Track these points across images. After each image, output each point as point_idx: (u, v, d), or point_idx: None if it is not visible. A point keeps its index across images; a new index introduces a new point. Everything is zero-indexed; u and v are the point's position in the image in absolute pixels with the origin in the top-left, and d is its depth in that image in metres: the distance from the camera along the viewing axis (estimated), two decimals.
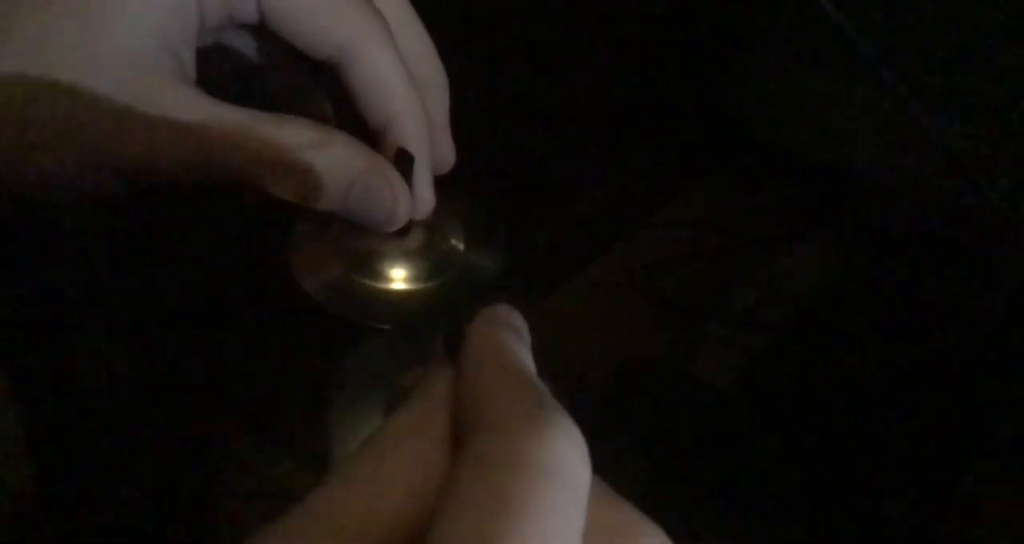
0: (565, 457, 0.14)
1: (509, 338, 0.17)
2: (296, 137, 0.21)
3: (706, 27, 0.82)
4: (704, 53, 0.84)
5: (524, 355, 0.17)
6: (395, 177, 0.22)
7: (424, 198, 0.24)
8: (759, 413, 0.61)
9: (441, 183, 0.24)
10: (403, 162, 0.22)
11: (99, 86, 0.19)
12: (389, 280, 0.24)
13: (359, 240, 0.24)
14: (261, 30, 0.22)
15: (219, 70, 0.23)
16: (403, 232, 0.23)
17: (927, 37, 0.76)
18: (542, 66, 0.66)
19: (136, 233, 0.46)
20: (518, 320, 0.18)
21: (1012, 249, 0.64)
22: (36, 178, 0.20)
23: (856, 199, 0.80)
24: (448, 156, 0.26)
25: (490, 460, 0.14)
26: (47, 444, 0.45)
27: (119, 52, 0.19)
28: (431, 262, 0.25)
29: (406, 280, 0.24)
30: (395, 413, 0.17)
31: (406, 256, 0.24)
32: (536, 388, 0.16)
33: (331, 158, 0.21)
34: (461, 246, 0.26)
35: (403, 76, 0.22)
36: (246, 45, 0.24)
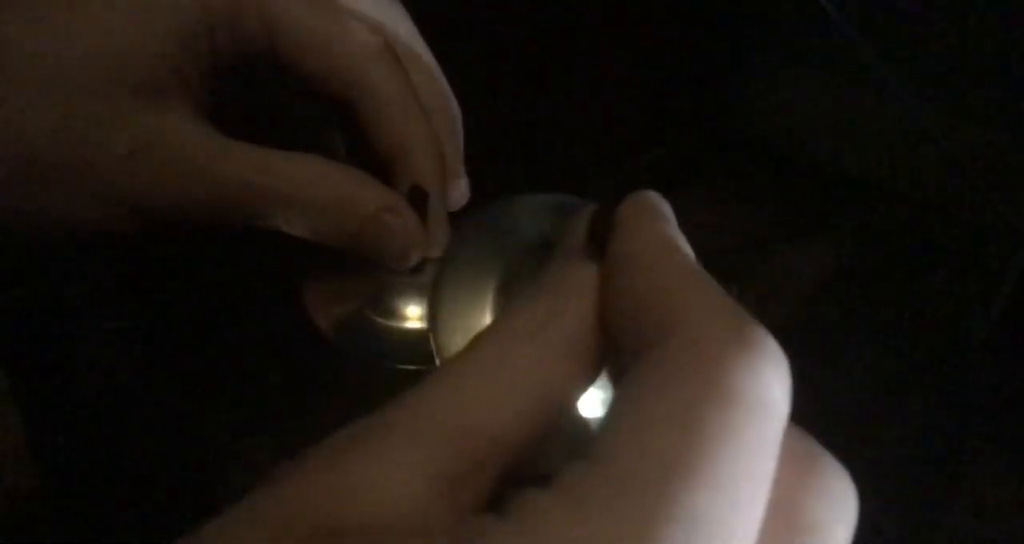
0: (770, 389, 0.12)
1: (675, 232, 0.14)
2: (308, 174, 0.20)
3: (706, 28, 0.82)
4: (704, 54, 0.84)
5: (692, 254, 0.14)
6: (409, 213, 0.22)
7: (438, 234, 0.23)
8: None
9: (453, 218, 0.24)
10: (417, 198, 0.22)
11: (112, 127, 0.19)
12: (403, 318, 0.23)
13: (373, 276, 0.23)
14: (271, 65, 0.22)
15: (231, 105, 0.23)
16: (417, 268, 0.23)
17: (927, 37, 0.76)
18: (543, 68, 0.66)
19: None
20: (670, 211, 0.15)
21: (1012, 249, 0.64)
22: (49, 217, 0.20)
23: (856, 199, 0.80)
24: (462, 190, 0.25)
25: (682, 376, 0.12)
26: (47, 444, 0.45)
27: (131, 87, 0.19)
28: None
29: (419, 318, 0.23)
30: (516, 304, 0.14)
31: (420, 293, 0.24)
32: (729, 296, 0.13)
33: (344, 195, 0.21)
34: None
35: (415, 113, 0.22)
36: (257, 81, 0.24)
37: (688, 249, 0.14)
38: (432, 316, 0.19)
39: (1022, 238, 0.62)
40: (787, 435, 0.12)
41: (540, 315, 0.13)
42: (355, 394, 0.62)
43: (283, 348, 0.60)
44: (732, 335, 0.12)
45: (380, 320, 0.24)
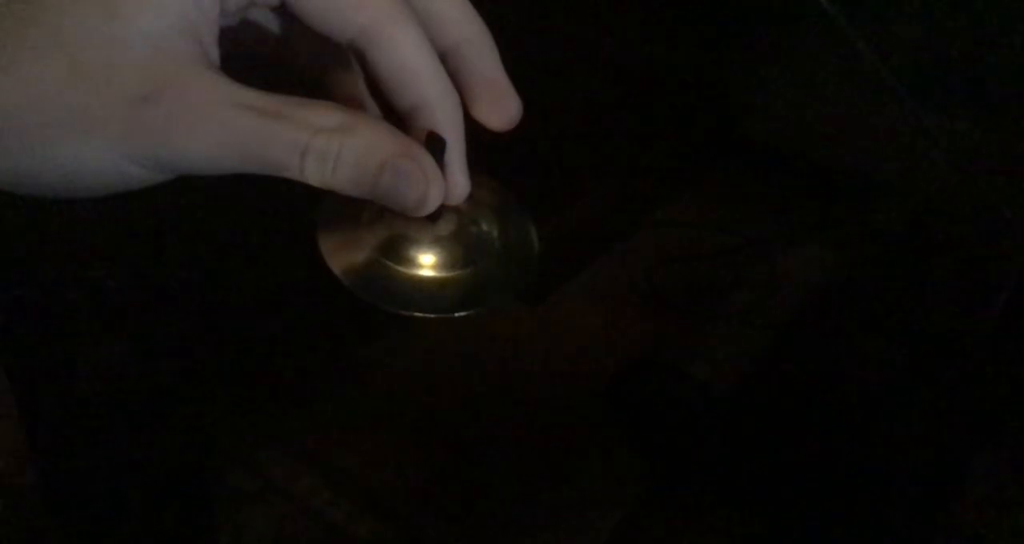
0: None
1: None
2: (323, 122, 0.20)
3: (707, 28, 0.82)
4: (704, 54, 0.84)
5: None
6: (426, 161, 0.21)
7: (457, 183, 0.23)
8: (759, 413, 0.61)
9: (471, 169, 0.24)
10: (434, 146, 0.22)
11: (122, 74, 0.19)
12: (420, 267, 0.23)
13: (390, 225, 0.23)
14: (283, 16, 0.22)
15: (243, 49, 0.23)
16: (435, 217, 0.23)
17: (928, 37, 0.76)
18: (542, 67, 0.66)
19: (141, 230, 0.46)
20: None
21: (1012, 249, 0.64)
22: (63, 168, 0.20)
23: (856, 199, 0.80)
24: (512, 110, 0.24)
25: None
26: (47, 444, 0.45)
27: (142, 39, 0.19)
28: (463, 248, 0.24)
29: (436, 267, 0.23)
30: None
31: (438, 242, 0.24)
32: None
33: (359, 142, 0.20)
34: (495, 232, 0.25)
35: (429, 60, 0.22)
36: (271, 23, 0.23)
37: None
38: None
39: (1022, 238, 0.62)
40: None
41: None
42: (356, 395, 0.62)
43: (285, 349, 0.60)
44: None
45: (395, 267, 0.24)
